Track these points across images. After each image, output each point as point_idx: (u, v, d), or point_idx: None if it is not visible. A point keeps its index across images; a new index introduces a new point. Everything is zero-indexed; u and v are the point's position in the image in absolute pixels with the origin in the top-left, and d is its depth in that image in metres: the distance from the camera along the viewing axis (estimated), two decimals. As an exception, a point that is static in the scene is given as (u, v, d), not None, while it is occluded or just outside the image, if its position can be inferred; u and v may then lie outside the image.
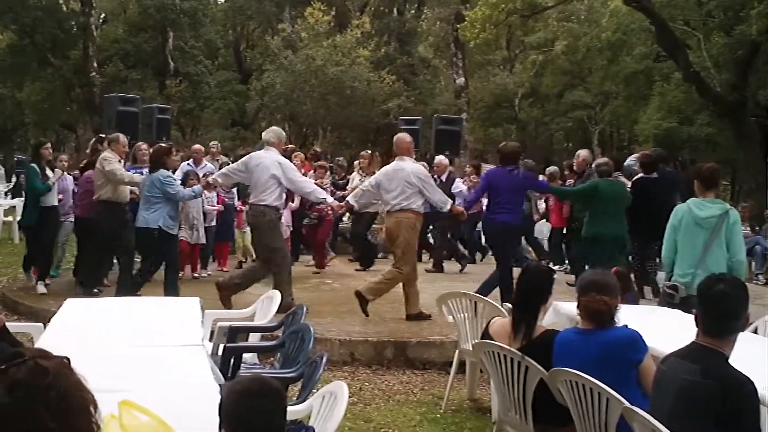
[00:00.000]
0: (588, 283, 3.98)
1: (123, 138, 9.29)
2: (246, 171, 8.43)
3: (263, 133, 8.85)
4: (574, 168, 11.06)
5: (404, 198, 8.10)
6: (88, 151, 10.19)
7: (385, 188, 8.25)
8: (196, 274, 10.81)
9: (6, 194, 18.90)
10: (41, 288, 9.32)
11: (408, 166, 8.28)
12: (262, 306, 5.93)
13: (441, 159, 12.50)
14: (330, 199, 9.01)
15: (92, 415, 1.83)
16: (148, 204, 8.30)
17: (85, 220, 9.33)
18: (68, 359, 1.87)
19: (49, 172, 9.28)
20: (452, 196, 10.75)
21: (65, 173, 9.89)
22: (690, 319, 5.10)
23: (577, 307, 3.99)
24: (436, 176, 12.04)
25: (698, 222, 5.99)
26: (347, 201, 8.88)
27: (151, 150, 9.54)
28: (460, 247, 12.72)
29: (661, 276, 8.29)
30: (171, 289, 8.34)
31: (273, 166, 8.20)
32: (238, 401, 2.28)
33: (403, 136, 8.74)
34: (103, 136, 10.09)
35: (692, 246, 6.01)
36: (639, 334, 3.84)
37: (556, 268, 11.09)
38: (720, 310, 3.22)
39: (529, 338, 4.23)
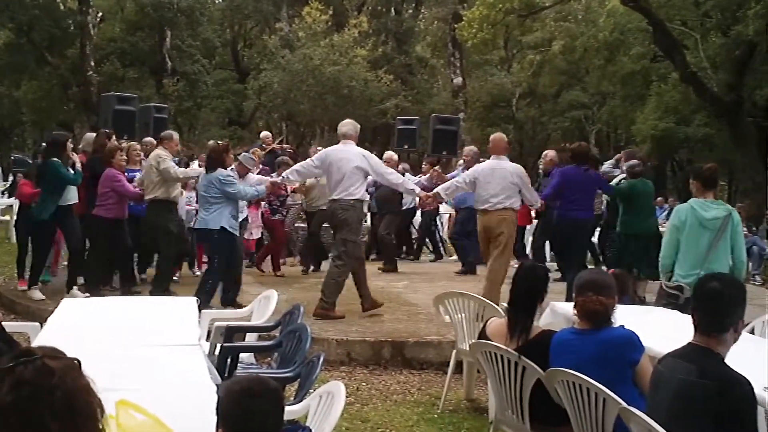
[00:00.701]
0: (585, 282, 3.99)
1: (176, 136, 9.15)
2: (321, 166, 8.20)
3: (340, 126, 8.50)
4: (540, 168, 11.32)
5: (506, 197, 8.24)
6: (81, 146, 9.76)
7: (483, 186, 8.32)
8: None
9: (3, 193, 18.82)
10: (38, 294, 8.95)
11: (508, 165, 8.45)
12: (259, 306, 5.93)
13: (391, 155, 12.60)
14: (418, 190, 8.95)
15: (98, 420, 1.83)
16: (207, 204, 8.05)
17: (108, 221, 8.84)
18: (78, 361, 1.87)
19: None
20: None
21: None
22: (684, 318, 5.14)
23: (574, 306, 4.00)
24: None
25: (703, 223, 6.02)
26: (437, 192, 8.75)
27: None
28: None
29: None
30: (215, 285, 8.12)
31: (357, 159, 8.03)
32: (236, 401, 2.28)
33: (500, 136, 8.93)
34: (107, 131, 9.86)
35: (696, 246, 6.03)
36: (635, 334, 3.85)
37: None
38: (713, 308, 3.22)
39: (525, 338, 4.24)
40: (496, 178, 8.26)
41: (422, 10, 35.54)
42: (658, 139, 24.57)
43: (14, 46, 29.44)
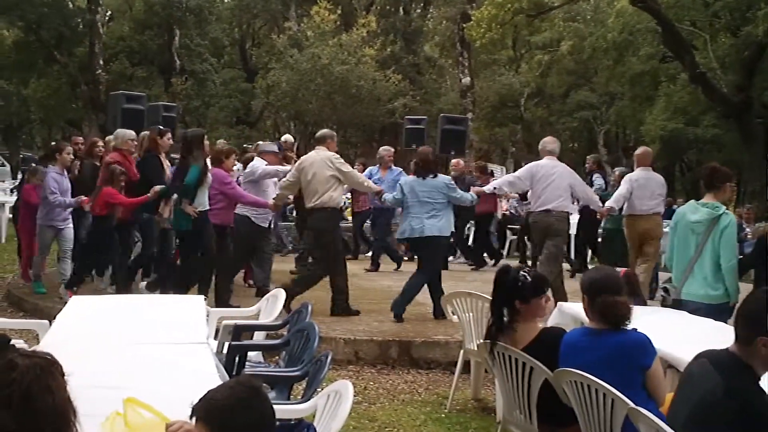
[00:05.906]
0: (603, 283, 3.92)
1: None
2: (531, 180, 8.40)
3: (545, 142, 8.67)
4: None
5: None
6: (112, 144, 8.90)
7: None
8: None
9: (12, 191, 18.85)
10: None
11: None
12: (267, 304, 5.93)
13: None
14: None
15: (69, 423, 1.83)
16: (434, 211, 8.05)
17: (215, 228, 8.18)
18: (59, 364, 1.87)
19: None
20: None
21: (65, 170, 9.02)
22: (691, 320, 5.15)
23: (590, 306, 3.94)
24: None
25: (689, 226, 5.92)
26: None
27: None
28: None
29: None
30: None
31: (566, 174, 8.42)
32: (237, 409, 2.29)
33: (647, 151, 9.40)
34: (161, 128, 9.40)
35: (685, 250, 5.95)
36: (648, 339, 3.78)
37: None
38: (744, 317, 3.13)
39: (503, 335, 4.21)
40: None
41: (431, 10, 35.50)
42: (666, 140, 24.53)
43: (23, 44, 29.60)
